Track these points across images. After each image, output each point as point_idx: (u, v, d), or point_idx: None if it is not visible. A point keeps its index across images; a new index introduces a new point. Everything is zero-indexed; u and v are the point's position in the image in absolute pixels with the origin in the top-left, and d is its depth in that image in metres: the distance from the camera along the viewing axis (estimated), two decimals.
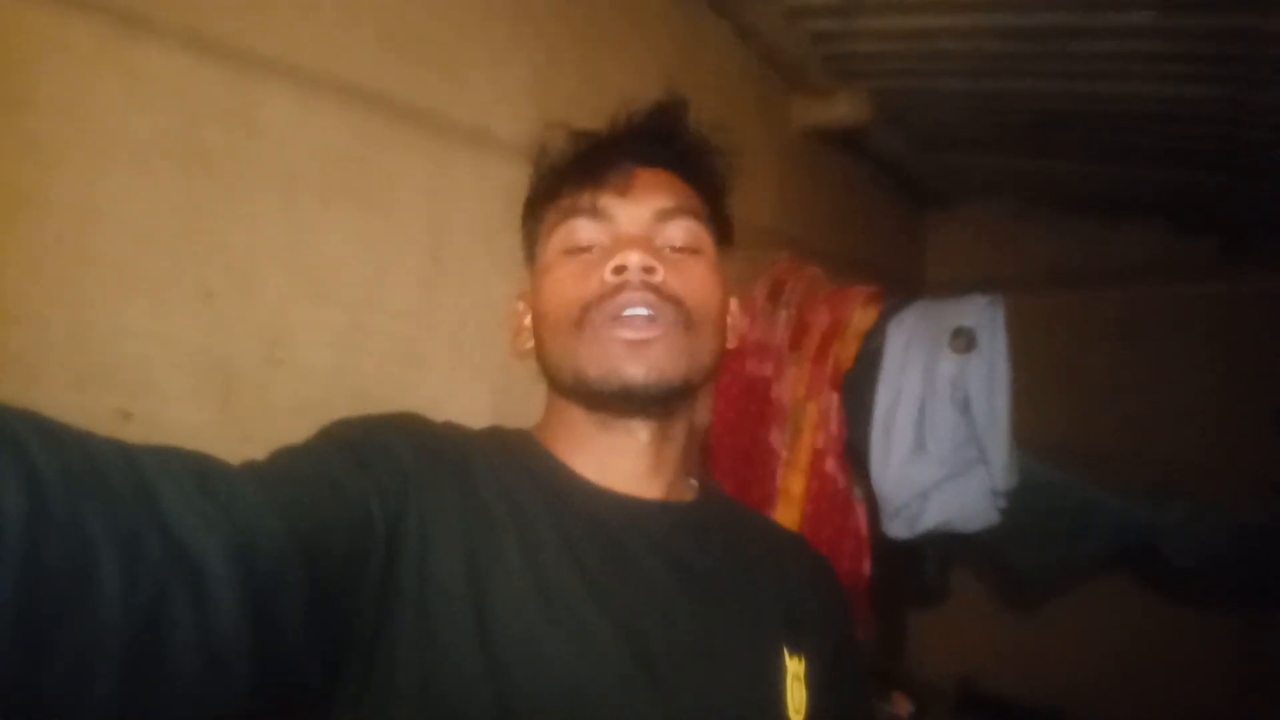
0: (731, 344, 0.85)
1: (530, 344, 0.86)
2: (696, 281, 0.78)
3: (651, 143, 0.84)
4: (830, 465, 1.80)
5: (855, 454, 1.78)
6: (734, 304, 0.87)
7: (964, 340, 1.64)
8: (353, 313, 1.27)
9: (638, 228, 0.79)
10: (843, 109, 2.56)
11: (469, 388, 1.45)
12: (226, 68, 1.11)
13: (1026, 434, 1.74)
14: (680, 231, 0.80)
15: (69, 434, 0.45)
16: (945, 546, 1.86)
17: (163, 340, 1.06)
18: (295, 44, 1.20)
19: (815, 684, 0.78)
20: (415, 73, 1.38)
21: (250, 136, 1.14)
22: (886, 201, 3.39)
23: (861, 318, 1.85)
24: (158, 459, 0.48)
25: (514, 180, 1.53)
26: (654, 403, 0.76)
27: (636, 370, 0.74)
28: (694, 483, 0.88)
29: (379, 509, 0.63)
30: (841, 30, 2.26)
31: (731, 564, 0.80)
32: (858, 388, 1.78)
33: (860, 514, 1.82)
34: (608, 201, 0.80)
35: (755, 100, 2.42)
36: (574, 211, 0.80)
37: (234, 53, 1.12)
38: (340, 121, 1.26)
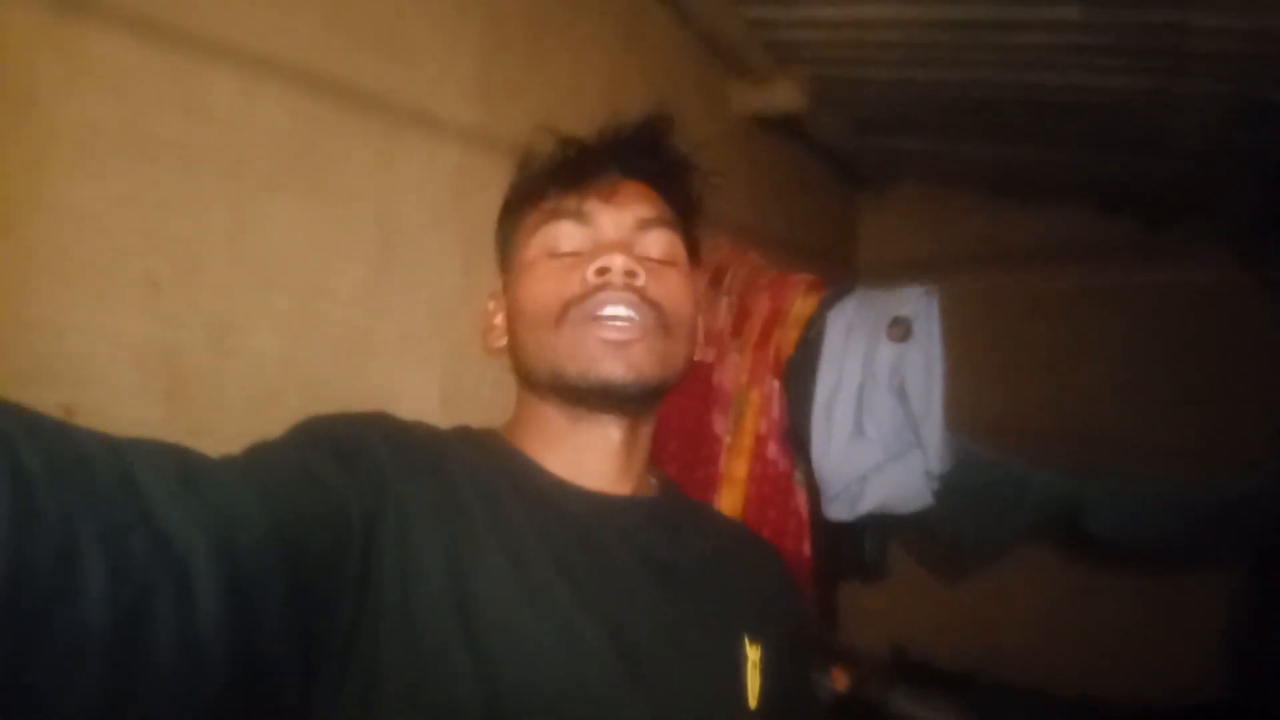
0: (698, 356, 0.88)
1: (502, 341, 0.87)
2: (674, 290, 0.80)
3: (636, 155, 0.85)
4: (772, 450, 1.84)
5: (797, 438, 1.83)
6: (701, 320, 0.89)
7: (901, 329, 1.70)
8: (302, 301, 1.25)
9: (620, 233, 0.80)
10: (781, 95, 2.60)
11: (420, 376, 1.45)
12: (172, 51, 1.08)
13: (958, 411, 1.81)
14: (659, 242, 0.82)
15: (53, 427, 0.44)
16: (884, 525, 1.93)
17: (107, 332, 1.03)
18: (241, 25, 1.17)
19: (769, 670, 0.81)
20: (362, 54, 1.35)
21: (196, 122, 1.11)
22: (822, 184, 3.45)
23: (802, 305, 1.88)
24: (142, 452, 0.48)
25: (461, 164, 1.54)
26: (630, 400, 0.78)
27: (616, 369, 0.75)
28: (653, 480, 0.90)
29: (357, 506, 0.64)
30: (780, 18, 2.29)
31: (697, 556, 0.83)
32: (799, 374, 1.82)
33: (801, 497, 1.87)
34: (592, 206, 0.81)
35: (695, 85, 2.43)
36: (558, 214, 0.81)
37: (179, 35, 1.09)
38: (287, 105, 1.23)
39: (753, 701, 0.77)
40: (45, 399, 0.97)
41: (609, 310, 0.76)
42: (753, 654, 0.79)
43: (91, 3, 1.00)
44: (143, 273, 1.06)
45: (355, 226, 1.34)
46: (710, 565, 0.83)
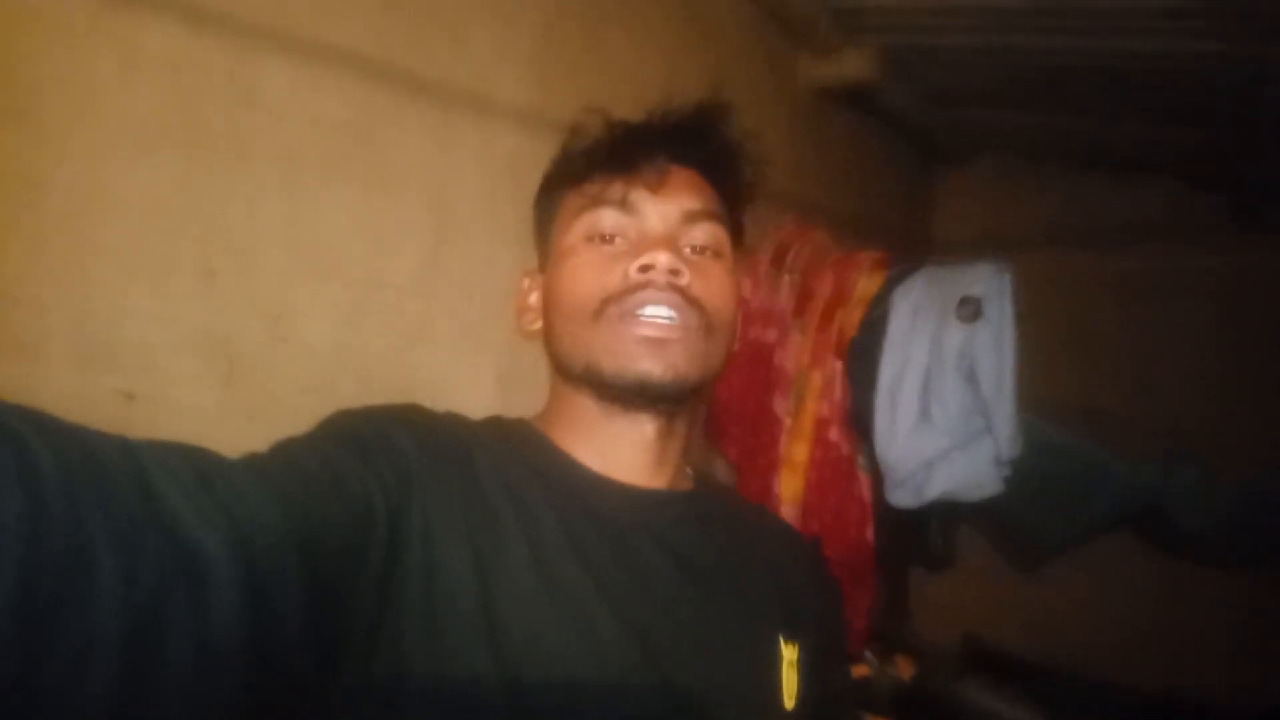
0: (735, 346, 0.85)
1: (537, 324, 0.86)
2: (716, 286, 0.79)
3: (687, 141, 0.82)
4: (834, 433, 1.80)
5: (860, 422, 1.78)
6: (740, 312, 0.87)
7: (971, 309, 1.63)
8: (356, 290, 1.26)
9: (665, 227, 0.79)
10: (851, 66, 2.52)
11: (474, 365, 1.45)
12: (224, 40, 1.09)
13: (1033, 395, 1.74)
14: (704, 234, 0.80)
15: (67, 429, 0.44)
16: (950, 513, 1.87)
17: (165, 320, 1.05)
18: (293, 13, 1.18)
19: (806, 670, 0.79)
20: (416, 38, 1.35)
21: (250, 111, 1.13)
22: (895, 159, 3.35)
23: (867, 284, 1.83)
24: (157, 454, 0.48)
25: (517, 149, 1.52)
26: (666, 399, 0.77)
27: (654, 367, 0.74)
28: (689, 472, 0.88)
29: (381, 503, 0.63)
30: None
31: (730, 553, 0.81)
32: (863, 355, 1.77)
33: (864, 482, 1.82)
34: (638, 196, 0.79)
35: (762, 59, 2.38)
36: (602, 200, 0.79)
37: (231, 24, 1.10)
38: (341, 93, 1.24)
39: (789, 702, 0.75)
40: (104, 384, 1.00)
41: (650, 311, 0.74)
42: (789, 653, 0.78)
43: None
44: (198, 261, 1.09)
45: (409, 214, 1.35)
46: (744, 562, 0.81)
